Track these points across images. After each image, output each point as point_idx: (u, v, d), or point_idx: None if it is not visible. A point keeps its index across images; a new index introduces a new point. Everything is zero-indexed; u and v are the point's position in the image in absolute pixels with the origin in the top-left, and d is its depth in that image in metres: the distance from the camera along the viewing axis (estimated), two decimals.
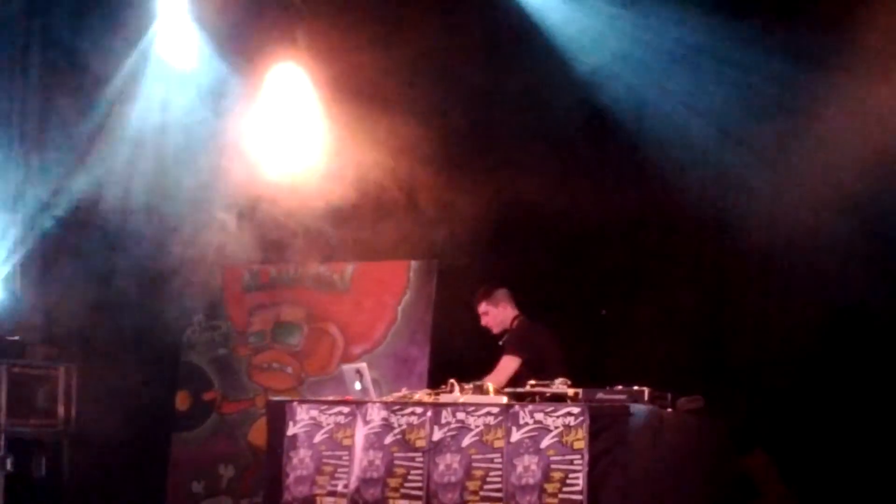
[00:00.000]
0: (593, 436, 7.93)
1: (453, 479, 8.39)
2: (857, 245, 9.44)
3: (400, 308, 11.49)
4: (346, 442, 8.91)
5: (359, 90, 11.01)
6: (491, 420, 8.33)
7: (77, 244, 12.03)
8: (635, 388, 8.23)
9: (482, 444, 8.33)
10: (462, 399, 8.65)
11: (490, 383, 8.80)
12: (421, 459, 8.55)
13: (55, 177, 12.04)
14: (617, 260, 10.48)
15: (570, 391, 8.38)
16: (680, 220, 10.26)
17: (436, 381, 9.79)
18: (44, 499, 11.21)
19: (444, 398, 8.78)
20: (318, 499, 8.96)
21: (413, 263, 11.49)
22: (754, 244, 9.99)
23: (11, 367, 11.05)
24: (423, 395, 9.05)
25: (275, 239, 11.66)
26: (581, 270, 10.53)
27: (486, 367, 9.64)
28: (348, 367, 9.49)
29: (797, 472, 9.48)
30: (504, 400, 8.47)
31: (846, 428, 9.35)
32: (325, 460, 8.98)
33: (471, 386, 8.80)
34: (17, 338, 11.63)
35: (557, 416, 8.08)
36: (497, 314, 9.77)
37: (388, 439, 8.71)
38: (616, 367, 9.44)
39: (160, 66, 11.74)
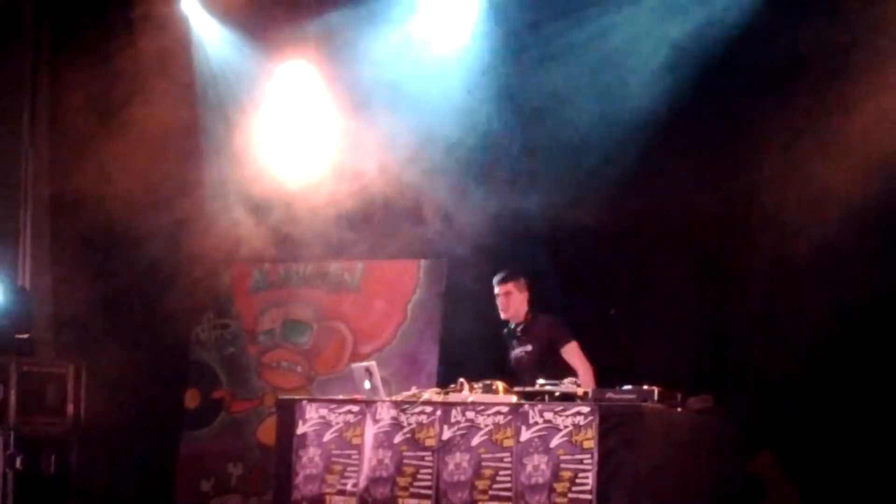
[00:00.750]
0: (603, 435, 7.95)
1: (463, 478, 8.40)
2: (867, 243, 9.43)
3: (409, 307, 11.50)
4: (356, 441, 8.92)
5: (370, 88, 11.01)
6: (500, 419, 8.33)
7: (86, 241, 12.03)
8: (645, 387, 8.24)
9: (492, 444, 8.34)
10: (471, 398, 8.66)
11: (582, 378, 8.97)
12: (430, 458, 8.56)
13: (63, 172, 12.04)
14: (626, 259, 10.47)
15: (580, 390, 8.41)
16: (688, 220, 10.24)
17: (445, 380, 9.79)
18: (53, 497, 11.19)
19: (453, 397, 8.79)
20: (327, 497, 8.97)
21: (423, 262, 11.49)
22: (763, 243, 9.98)
23: (21, 366, 11.05)
24: (432, 394, 9.05)
25: (285, 237, 11.66)
26: (590, 270, 10.52)
27: (496, 366, 9.65)
28: (358, 366, 9.50)
29: (805, 472, 9.46)
30: (514, 399, 8.48)
31: (854, 428, 9.33)
32: (334, 459, 9.00)
33: (480, 385, 8.81)
34: (26, 336, 11.63)
35: (567, 416, 8.08)
36: (518, 299, 9.68)
37: (398, 438, 8.72)
38: (625, 367, 9.41)
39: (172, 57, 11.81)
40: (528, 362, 9.55)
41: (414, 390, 9.33)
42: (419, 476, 8.59)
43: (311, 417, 9.15)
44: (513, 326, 9.74)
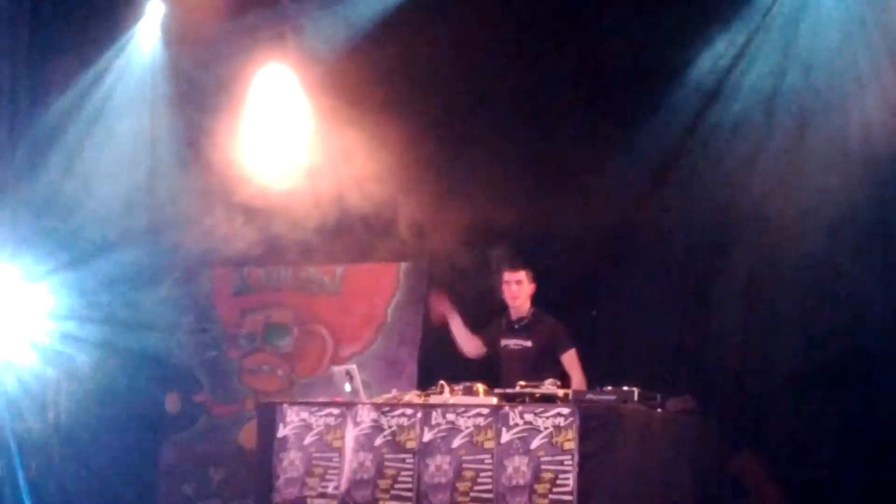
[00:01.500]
0: (583, 436, 7.95)
1: (444, 480, 8.40)
2: (847, 245, 9.45)
3: (389, 309, 11.51)
4: (337, 443, 8.91)
5: (348, 92, 11.01)
6: (481, 421, 8.34)
7: (66, 245, 12.01)
8: (625, 388, 8.24)
9: (472, 446, 8.34)
10: (452, 400, 8.66)
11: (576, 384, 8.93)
12: (411, 461, 8.56)
13: (46, 175, 12.03)
14: (606, 261, 10.48)
15: (560, 392, 8.41)
16: (669, 222, 10.26)
17: (425, 382, 9.80)
18: (34, 502, 11.18)
19: (434, 399, 8.79)
20: (308, 500, 8.96)
21: (402, 265, 11.50)
22: (744, 245, 9.99)
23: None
24: (413, 396, 9.06)
25: (264, 241, 11.64)
26: (570, 271, 10.52)
27: (476, 368, 9.66)
28: (338, 369, 9.50)
29: (785, 472, 9.48)
30: (494, 401, 8.48)
31: (835, 427, 9.35)
32: (315, 462, 8.99)
33: (461, 387, 8.82)
34: None
35: (547, 417, 8.09)
36: (527, 290, 9.64)
37: (379, 441, 8.72)
38: (605, 368, 9.43)
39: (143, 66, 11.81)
40: (521, 357, 9.51)
41: (394, 392, 9.33)
42: (400, 478, 8.59)
43: (291, 420, 9.14)
44: (512, 318, 9.70)
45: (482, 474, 8.28)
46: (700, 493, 8.77)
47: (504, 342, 9.64)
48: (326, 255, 11.69)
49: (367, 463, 8.73)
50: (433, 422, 8.52)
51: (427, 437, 8.52)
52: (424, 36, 10.61)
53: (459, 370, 9.47)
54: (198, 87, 11.65)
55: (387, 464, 8.65)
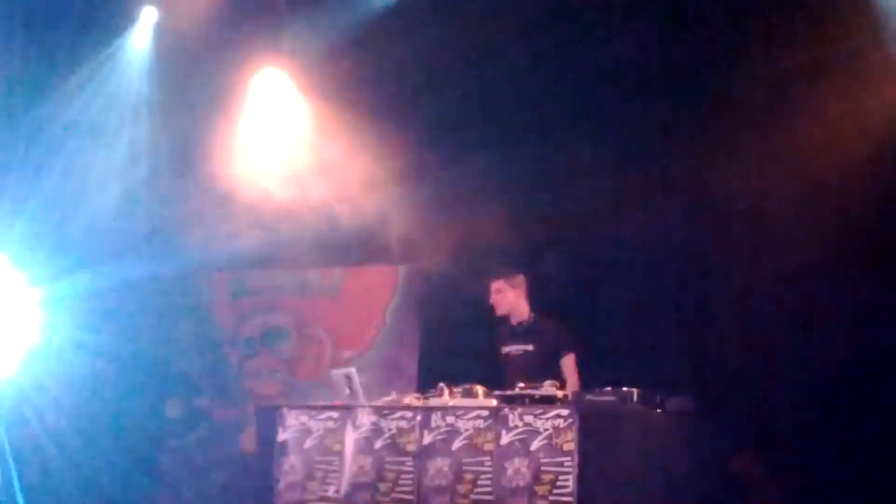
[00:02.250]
0: (583, 437, 7.93)
1: (444, 482, 8.40)
2: (850, 244, 9.45)
3: (389, 312, 11.51)
4: (337, 447, 8.92)
5: (344, 96, 11.02)
6: (480, 423, 8.33)
7: (68, 249, 12.02)
8: (624, 389, 8.23)
9: (472, 448, 8.33)
10: (451, 403, 8.66)
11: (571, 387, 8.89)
12: (411, 463, 8.56)
13: (43, 182, 12.04)
14: (606, 262, 10.48)
15: (560, 393, 8.39)
16: (669, 222, 10.26)
17: (425, 384, 9.79)
18: None
19: (433, 402, 8.79)
20: None
21: (401, 268, 11.50)
22: (744, 245, 10.00)
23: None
24: (412, 399, 9.05)
25: (262, 245, 11.65)
26: (571, 273, 10.52)
27: (476, 370, 9.64)
28: (338, 372, 9.49)
29: (787, 473, 9.47)
30: (493, 403, 8.48)
31: (836, 428, 9.35)
32: (315, 466, 8.99)
33: (460, 389, 8.81)
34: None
35: (547, 419, 8.08)
36: (510, 297, 9.59)
37: (378, 444, 8.72)
38: (605, 369, 9.42)
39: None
40: (524, 361, 9.49)
41: (394, 395, 9.33)
42: (400, 481, 8.59)
43: (291, 424, 9.15)
44: (513, 323, 9.69)
45: (482, 476, 8.27)
46: (700, 494, 8.76)
47: (506, 348, 9.62)
48: (325, 259, 11.69)
49: (368, 466, 8.74)
50: (433, 424, 8.52)
51: (427, 439, 8.52)
52: (421, 40, 10.62)
53: (459, 373, 9.45)
54: (193, 93, 11.65)
55: (387, 467, 8.65)
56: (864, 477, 9.17)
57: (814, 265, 9.50)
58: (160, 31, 11.85)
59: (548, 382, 8.53)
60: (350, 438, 8.85)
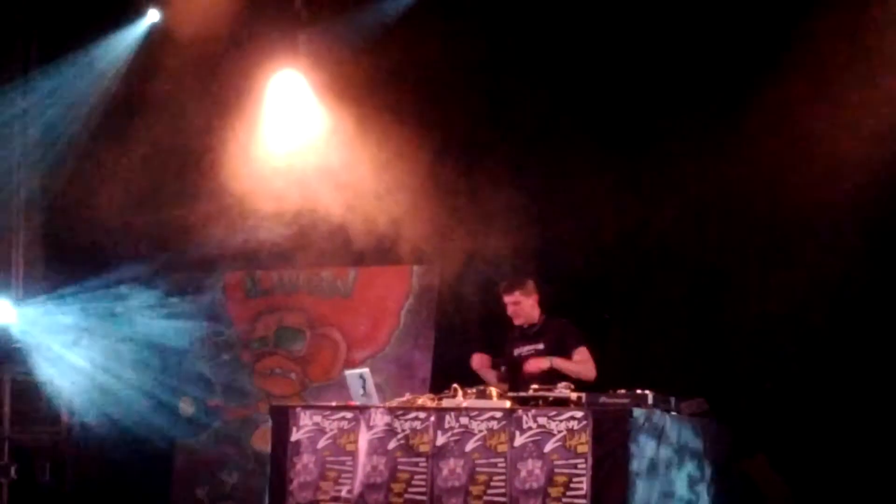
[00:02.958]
0: (597, 439, 7.95)
1: (457, 483, 8.40)
2: (860, 245, 9.45)
3: (403, 313, 11.50)
4: (350, 447, 8.92)
5: (361, 97, 11.03)
6: (494, 424, 8.34)
7: (80, 250, 12.04)
8: (638, 391, 8.24)
9: (486, 449, 8.34)
10: (465, 404, 8.65)
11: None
12: (424, 464, 8.56)
13: (57, 182, 12.06)
14: (620, 264, 10.48)
15: (573, 395, 8.38)
16: (681, 224, 10.25)
17: (439, 385, 9.79)
18: None
19: (447, 403, 8.78)
20: None
21: (416, 268, 11.50)
22: (756, 246, 10.00)
23: (15, 376, 11.05)
24: (426, 399, 9.05)
25: (277, 244, 11.66)
26: (584, 274, 10.52)
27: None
28: (351, 373, 9.49)
29: (800, 475, 9.47)
30: (507, 404, 8.47)
31: (848, 431, 9.34)
32: (328, 466, 8.99)
33: (474, 390, 8.82)
34: (19, 345, 11.66)
35: (561, 421, 8.09)
36: (528, 305, 9.60)
37: (392, 444, 8.72)
38: (619, 371, 9.41)
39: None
40: None
41: (408, 396, 9.34)
42: (413, 482, 8.59)
43: (305, 424, 9.15)
44: (525, 326, 9.66)
45: (495, 478, 8.27)
46: (713, 496, 8.76)
47: (517, 350, 9.62)
48: (339, 259, 11.70)
49: (381, 466, 8.74)
50: (446, 425, 8.52)
51: (440, 440, 8.52)
52: (438, 40, 10.63)
53: (472, 374, 9.47)
54: (210, 93, 11.67)
55: (400, 467, 8.66)
56: (875, 479, 9.17)
57: (830, 265, 9.50)
58: (174, 31, 11.83)
59: (561, 385, 8.53)
60: (363, 439, 8.85)
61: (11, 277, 12.16)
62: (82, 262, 12.12)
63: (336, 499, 8.92)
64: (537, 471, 8.10)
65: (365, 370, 9.42)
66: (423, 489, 8.54)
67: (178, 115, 11.63)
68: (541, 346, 9.48)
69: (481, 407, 8.51)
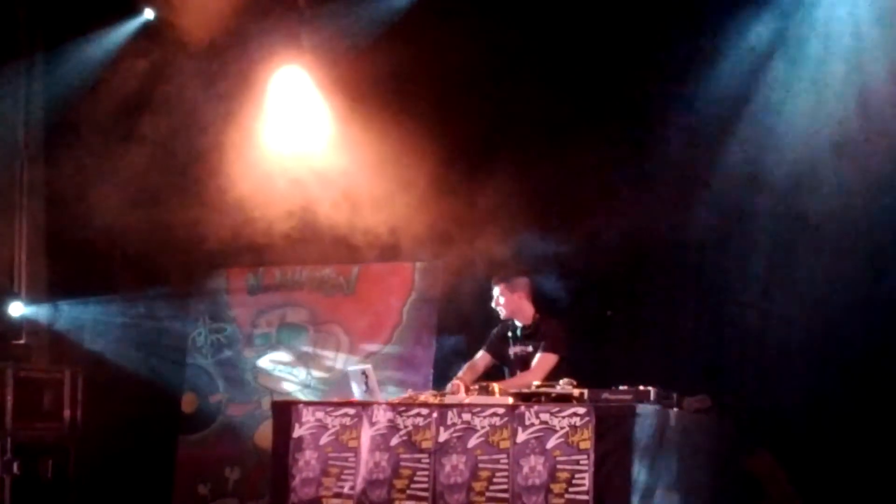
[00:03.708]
0: (599, 436, 7.94)
1: (459, 480, 8.40)
2: (862, 242, 9.44)
3: (405, 309, 11.51)
4: (352, 443, 8.91)
5: (364, 93, 11.02)
6: (497, 421, 8.33)
7: (82, 247, 12.04)
8: (641, 388, 8.22)
9: (488, 445, 8.33)
10: (468, 400, 8.66)
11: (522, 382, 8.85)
12: (427, 460, 8.56)
13: (60, 179, 12.05)
14: (622, 260, 10.47)
15: (576, 391, 8.37)
16: (683, 221, 10.25)
17: (441, 382, 9.79)
18: (51, 502, 11.20)
19: (449, 399, 8.79)
20: (324, 500, 8.96)
21: (418, 265, 11.50)
22: (759, 243, 10.00)
23: (17, 371, 11.04)
24: (428, 396, 9.06)
25: (279, 240, 11.66)
26: (586, 271, 10.51)
27: (492, 368, 9.67)
28: (354, 369, 9.49)
29: (803, 472, 9.46)
30: (510, 401, 8.47)
31: (853, 428, 9.34)
32: (331, 462, 8.99)
33: (476, 387, 8.83)
34: (22, 341, 11.66)
35: (563, 417, 8.08)
36: (512, 301, 9.63)
37: (394, 440, 8.72)
38: (622, 368, 9.41)
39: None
40: (524, 363, 9.54)
41: (410, 392, 9.34)
42: (416, 478, 8.58)
43: (307, 420, 9.14)
44: (518, 325, 9.69)
45: (498, 474, 8.27)
46: (717, 493, 8.76)
47: (512, 350, 9.68)
48: (342, 255, 11.69)
49: (383, 463, 8.73)
50: (449, 422, 8.52)
51: (443, 436, 8.51)
52: (442, 37, 10.62)
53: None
54: (213, 89, 11.66)
55: (402, 464, 8.65)
56: (881, 476, 9.16)
57: (833, 262, 9.49)
58: (177, 28, 11.82)
59: (564, 381, 8.52)
60: (366, 435, 8.84)
61: (14, 274, 12.14)
62: (85, 259, 12.11)
63: (338, 495, 8.91)
64: (540, 467, 8.10)
65: (367, 366, 9.42)
66: (425, 485, 8.54)
67: (181, 111, 11.63)
68: (530, 349, 9.54)
69: (484, 403, 8.51)
